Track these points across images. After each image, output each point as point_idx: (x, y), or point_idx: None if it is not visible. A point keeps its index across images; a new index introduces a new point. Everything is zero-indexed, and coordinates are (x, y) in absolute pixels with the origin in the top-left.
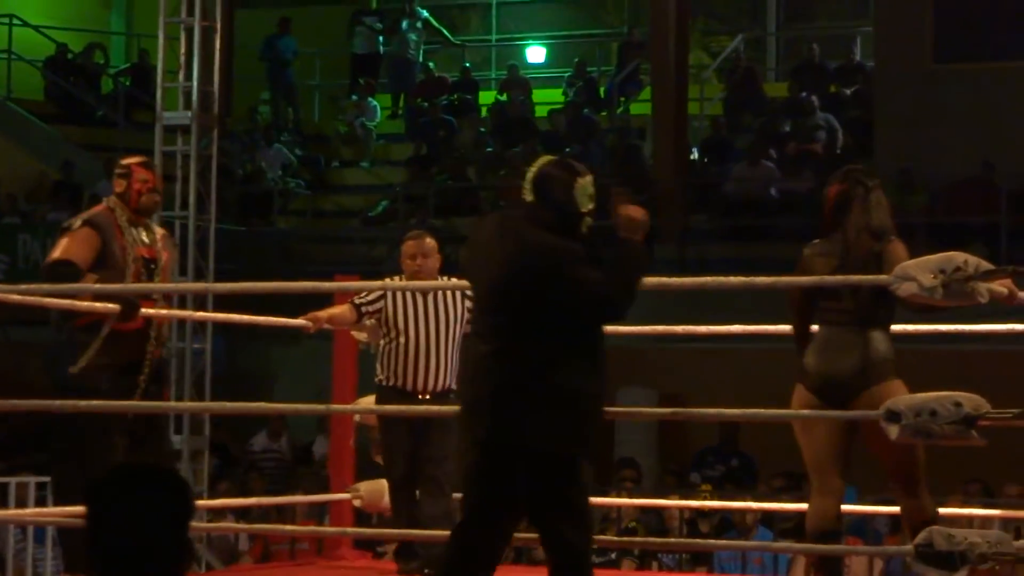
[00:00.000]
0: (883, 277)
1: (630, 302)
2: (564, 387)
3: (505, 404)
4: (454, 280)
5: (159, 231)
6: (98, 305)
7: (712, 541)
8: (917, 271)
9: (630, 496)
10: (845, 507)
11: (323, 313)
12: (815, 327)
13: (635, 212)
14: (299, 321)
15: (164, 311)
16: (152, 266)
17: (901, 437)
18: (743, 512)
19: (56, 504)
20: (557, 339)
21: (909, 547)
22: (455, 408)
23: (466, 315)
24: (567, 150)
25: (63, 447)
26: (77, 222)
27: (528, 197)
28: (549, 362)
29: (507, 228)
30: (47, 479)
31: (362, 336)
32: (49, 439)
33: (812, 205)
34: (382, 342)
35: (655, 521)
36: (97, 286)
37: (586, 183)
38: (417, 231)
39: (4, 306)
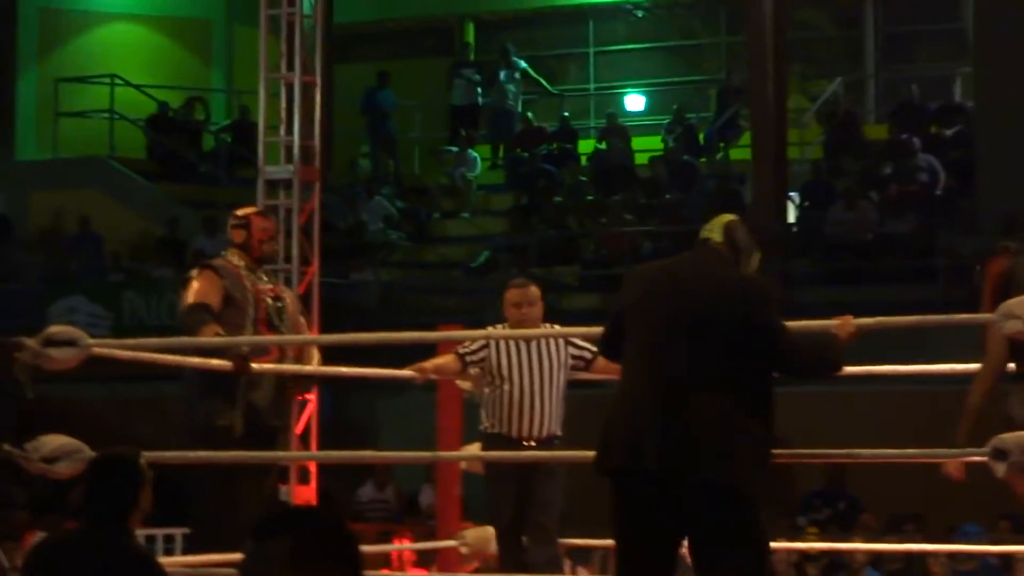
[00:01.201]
0: (987, 316)
1: (811, 370)
2: (742, 426)
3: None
4: (557, 327)
5: (287, 294)
6: (213, 362)
7: None
8: (1022, 310)
9: None
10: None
11: (429, 364)
12: None
13: (850, 327)
14: (406, 372)
15: (271, 364)
16: (279, 304)
17: (1009, 475)
18: (851, 554)
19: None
20: (739, 378)
21: None
22: (559, 453)
23: (570, 361)
24: (667, 197)
25: (207, 497)
26: (195, 270)
27: (716, 237)
28: (735, 401)
29: (702, 269)
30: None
31: (466, 385)
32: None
33: (913, 247)
34: (486, 390)
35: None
36: (216, 339)
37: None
38: (521, 279)
39: (110, 363)
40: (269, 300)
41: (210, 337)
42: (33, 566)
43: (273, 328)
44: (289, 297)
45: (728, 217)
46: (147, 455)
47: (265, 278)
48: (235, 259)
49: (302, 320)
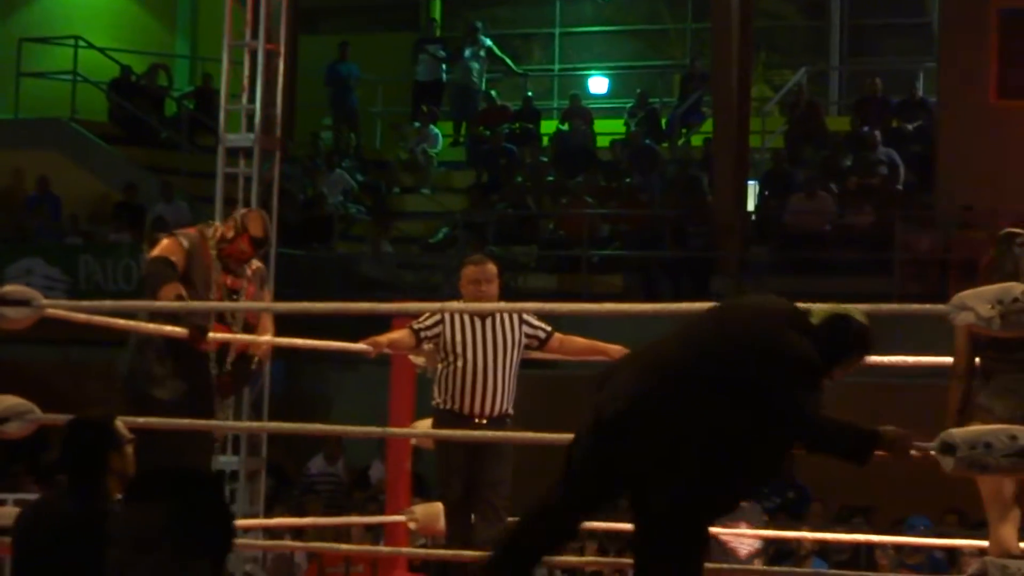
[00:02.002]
0: (940, 307)
1: (821, 445)
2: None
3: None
4: (512, 304)
5: (254, 264)
6: (167, 329)
7: (767, 568)
8: (975, 301)
9: None
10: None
11: (383, 338)
12: None
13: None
14: (359, 346)
15: (229, 335)
16: (234, 296)
17: (956, 470)
18: (798, 543)
19: None
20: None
21: None
22: (511, 434)
23: (524, 340)
24: (628, 180)
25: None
26: (165, 236)
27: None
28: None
29: (765, 314)
30: None
31: (419, 361)
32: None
33: (871, 239)
34: (440, 366)
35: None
36: (174, 304)
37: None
38: (479, 256)
39: (64, 326)
40: (225, 287)
41: (171, 296)
42: (19, 530)
43: (222, 322)
44: (251, 289)
45: (848, 313)
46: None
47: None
48: (212, 241)
49: (264, 303)
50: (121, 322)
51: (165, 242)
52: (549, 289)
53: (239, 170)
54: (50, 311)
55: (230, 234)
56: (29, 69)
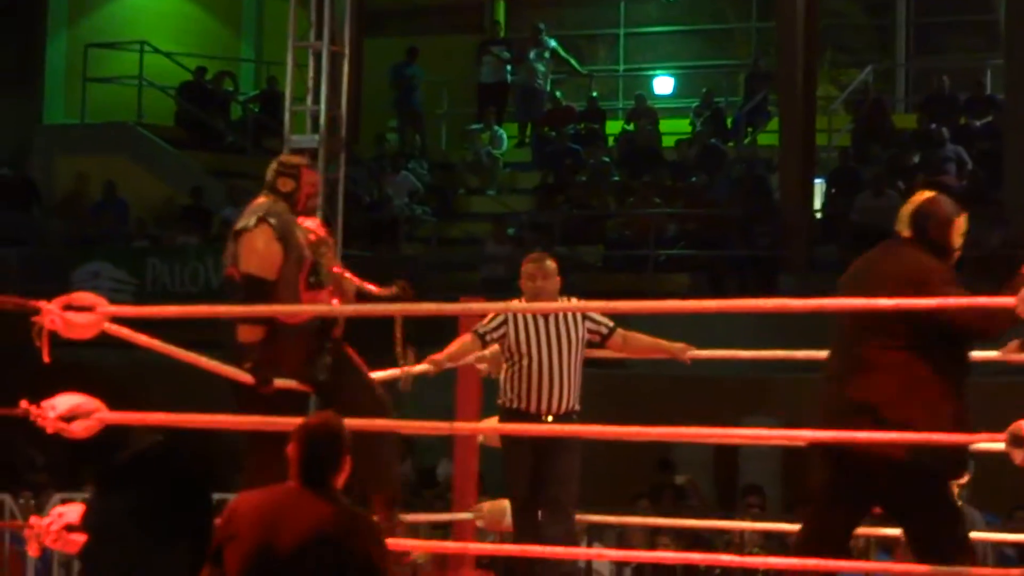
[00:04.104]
0: (1007, 300)
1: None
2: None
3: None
4: (575, 300)
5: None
6: (230, 371)
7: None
8: None
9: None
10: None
11: (441, 355)
12: None
13: None
14: (421, 368)
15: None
16: (323, 248)
17: None
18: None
19: None
20: (921, 353)
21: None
22: (576, 427)
23: (587, 336)
24: (693, 180)
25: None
26: (252, 220)
27: (905, 232)
28: (913, 379)
29: (887, 252)
30: None
31: (483, 366)
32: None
33: None
34: (504, 365)
35: (779, 547)
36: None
37: (962, 222)
38: (537, 253)
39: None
40: (315, 249)
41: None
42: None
43: (310, 287)
44: (328, 242)
45: (917, 199)
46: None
47: (308, 222)
48: (282, 208)
49: (339, 265)
50: (182, 353)
51: (261, 241)
52: (615, 289)
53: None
54: (113, 313)
55: (291, 184)
56: (95, 74)
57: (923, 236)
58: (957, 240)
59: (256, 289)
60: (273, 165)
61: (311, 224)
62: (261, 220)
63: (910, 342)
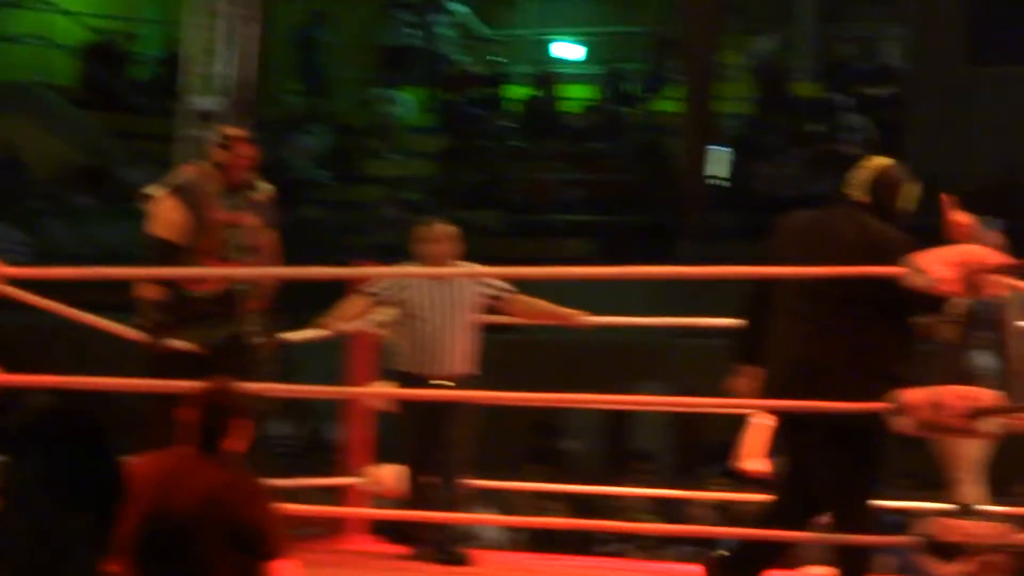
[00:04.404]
0: (898, 269)
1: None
2: (877, 369)
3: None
4: (471, 265)
5: (265, 189)
6: (117, 328)
7: (719, 528)
8: (930, 264)
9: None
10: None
11: (332, 318)
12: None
13: (962, 218)
14: (314, 333)
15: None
16: (235, 231)
17: (912, 430)
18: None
19: None
20: (878, 321)
21: (913, 538)
22: (473, 393)
23: (484, 301)
24: (595, 146)
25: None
26: (163, 189)
27: (861, 197)
28: (867, 342)
29: (846, 217)
30: None
31: (379, 330)
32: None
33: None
34: (399, 328)
35: (668, 513)
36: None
37: (914, 188)
38: (435, 218)
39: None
40: (223, 226)
41: (155, 291)
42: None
43: (222, 259)
44: (251, 224)
45: (873, 164)
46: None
47: (231, 201)
48: (206, 178)
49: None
50: (80, 315)
51: (164, 213)
52: (515, 254)
53: (206, 133)
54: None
55: (223, 155)
56: None
57: (878, 202)
58: (908, 206)
59: (161, 251)
60: (213, 136)
61: (259, 195)
62: (171, 189)
63: (867, 308)
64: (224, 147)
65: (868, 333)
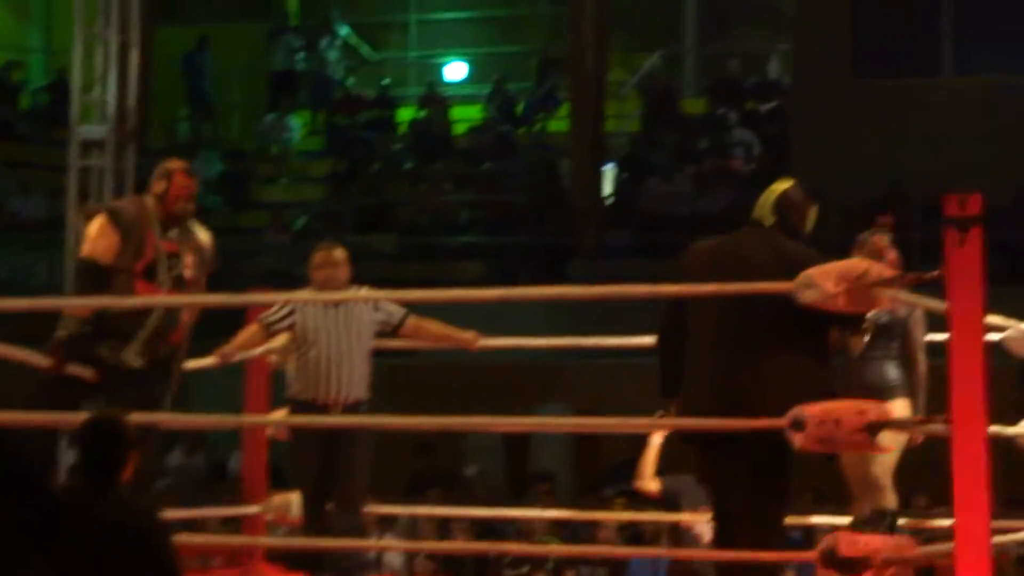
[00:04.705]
0: (786, 285)
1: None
2: (804, 381)
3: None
4: (364, 291)
5: (201, 235)
6: (21, 355)
7: (626, 549)
8: (820, 278)
9: (545, 508)
10: None
11: (229, 347)
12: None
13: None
14: (207, 361)
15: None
16: (172, 260)
17: (805, 445)
18: (655, 524)
19: None
20: (800, 339)
21: (814, 552)
22: (367, 419)
23: (377, 325)
24: (485, 167)
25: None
26: (101, 207)
27: (768, 220)
28: (793, 360)
29: (758, 241)
30: None
31: (273, 358)
32: None
33: (727, 221)
34: (293, 355)
35: (569, 534)
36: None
37: (814, 209)
38: (327, 242)
39: None
40: (163, 254)
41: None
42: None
43: (152, 280)
44: (192, 259)
45: (778, 188)
46: None
47: (174, 235)
48: (147, 207)
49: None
50: None
51: (96, 227)
52: (408, 277)
53: (93, 162)
54: None
55: (162, 186)
56: None
57: (786, 223)
58: (809, 227)
59: (87, 270)
60: (155, 167)
61: (202, 238)
62: (104, 211)
63: (791, 329)
64: (164, 178)
65: (793, 352)
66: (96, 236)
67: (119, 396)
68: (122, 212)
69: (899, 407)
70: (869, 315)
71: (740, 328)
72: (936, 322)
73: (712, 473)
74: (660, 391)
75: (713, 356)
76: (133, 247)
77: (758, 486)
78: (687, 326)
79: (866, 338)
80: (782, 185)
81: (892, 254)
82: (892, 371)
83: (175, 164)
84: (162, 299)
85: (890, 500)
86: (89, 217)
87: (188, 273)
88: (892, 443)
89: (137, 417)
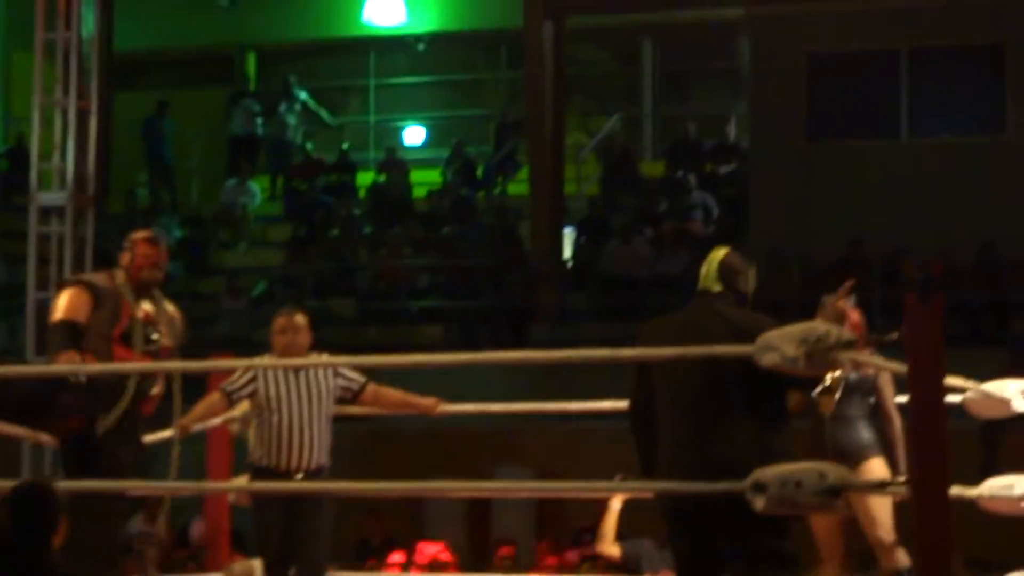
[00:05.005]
0: (746, 348)
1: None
2: (775, 449)
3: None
4: (325, 356)
5: (170, 309)
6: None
7: None
8: (780, 341)
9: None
10: None
11: (188, 418)
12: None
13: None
14: (166, 434)
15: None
16: (149, 327)
17: (767, 508)
18: None
19: None
20: (764, 407)
21: None
22: (329, 485)
23: (338, 392)
24: (445, 231)
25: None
26: (72, 279)
27: (715, 287)
28: (763, 428)
29: (709, 310)
30: None
31: (234, 428)
32: None
33: (687, 284)
34: (255, 422)
35: None
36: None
37: (754, 272)
38: (288, 308)
39: None
40: (137, 321)
41: (64, 363)
42: None
43: (128, 344)
44: (168, 328)
45: (718, 256)
46: None
47: (148, 305)
48: (117, 279)
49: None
50: None
51: (63, 299)
52: (369, 342)
53: (52, 229)
54: None
55: (127, 257)
56: None
57: (733, 288)
58: (752, 288)
59: (63, 330)
60: (125, 241)
61: (171, 311)
62: (75, 282)
63: (756, 396)
64: (128, 249)
65: (755, 418)
66: (69, 299)
67: (89, 462)
68: (94, 282)
69: (875, 466)
70: (837, 375)
71: (702, 398)
72: (902, 383)
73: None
74: (641, 468)
75: (679, 429)
76: (109, 312)
77: (760, 553)
78: (654, 402)
79: (836, 397)
80: (719, 253)
81: (855, 316)
82: (865, 432)
83: (139, 234)
84: (131, 365)
85: (902, 559)
86: (61, 288)
87: (164, 341)
88: (881, 503)
89: (103, 484)
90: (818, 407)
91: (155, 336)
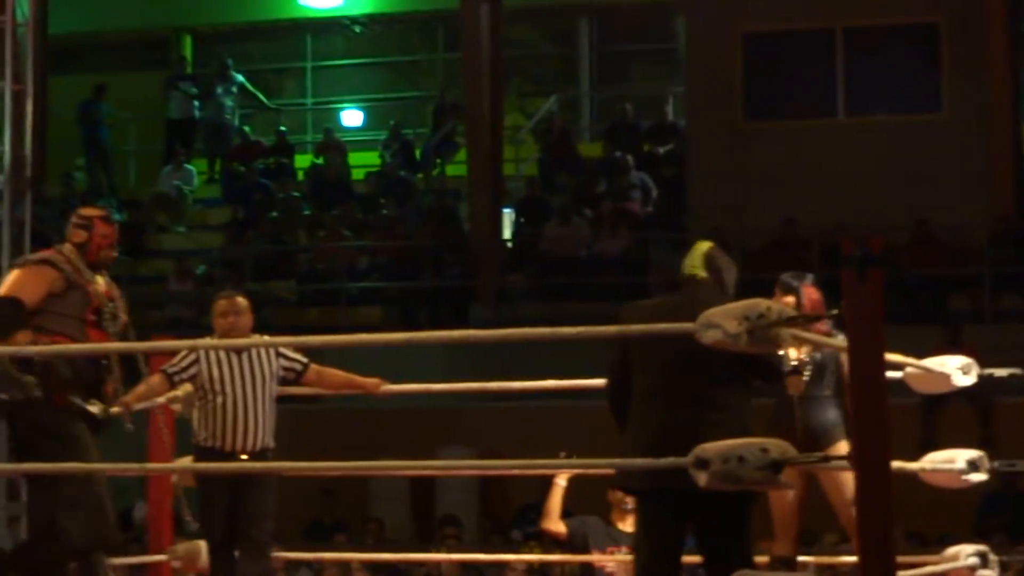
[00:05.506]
0: (687, 325)
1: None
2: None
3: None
4: (267, 338)
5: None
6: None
7: None
8: (722, 318)
9: (451, 552)
10: None
11: (130, 397)
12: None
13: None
14: (113, 410)
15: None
16: (111, 304)
17: (710, 483)
18: (562, 566)
19: None
20: (745, 390)
21: None
22: (273, 465)
23: (281, 373)
24: (384, 212)
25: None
26: (33, 258)
27: (702, 274)
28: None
29: (696, 296)
30: None
31: (176, 407)
32: None
33: (626, 264)
34: (197, 403)
35: None
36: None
37: (735, 272)
38: (228, 291)
39: None
40: (104, 300)
41: (21, 343)
42: None
43: (101, 328)
44: (121, 303)
45: (703, 247)
46: None
47: (100, 280)
48: (71, 257)
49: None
50: None
51: (15, 277)
52: (309, 323)
53: None
54: None
55: (82, 235)
56: None
57: (717, 277)
58: (733, 286)
59: (7, 309)
60: (72, 217)
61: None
62: (34, 261)
63: (739, 378)
64: (83, 227)
65: (738, 398)
66: (29, 280)
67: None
68: (58, 261)
69: (844, 448)
70: (803, 356)
71: (687, 376)
72: None
73: (677, 521)
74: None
75: (654, 404)
76: (80, 294)
77: (739, 527)
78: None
79: (805, 377)
80: (704, 245)
81: (815, 294)
82: (832, 412)
83: (93, 211)
84: (102, 345)
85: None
86: (22, 267)
87: (124, 318)
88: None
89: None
90: (787, 386)
91: (121, 315)
